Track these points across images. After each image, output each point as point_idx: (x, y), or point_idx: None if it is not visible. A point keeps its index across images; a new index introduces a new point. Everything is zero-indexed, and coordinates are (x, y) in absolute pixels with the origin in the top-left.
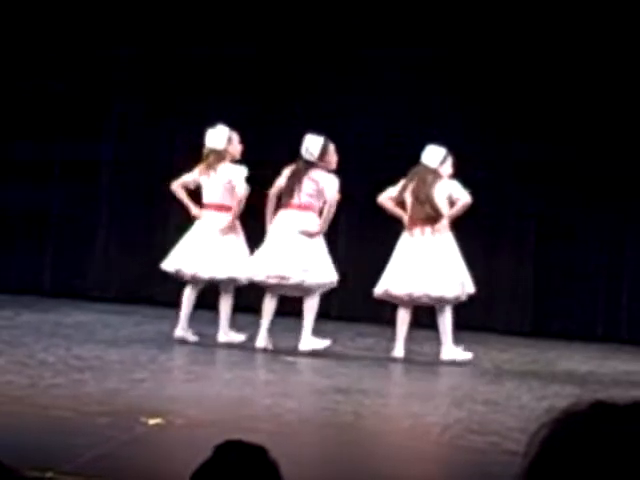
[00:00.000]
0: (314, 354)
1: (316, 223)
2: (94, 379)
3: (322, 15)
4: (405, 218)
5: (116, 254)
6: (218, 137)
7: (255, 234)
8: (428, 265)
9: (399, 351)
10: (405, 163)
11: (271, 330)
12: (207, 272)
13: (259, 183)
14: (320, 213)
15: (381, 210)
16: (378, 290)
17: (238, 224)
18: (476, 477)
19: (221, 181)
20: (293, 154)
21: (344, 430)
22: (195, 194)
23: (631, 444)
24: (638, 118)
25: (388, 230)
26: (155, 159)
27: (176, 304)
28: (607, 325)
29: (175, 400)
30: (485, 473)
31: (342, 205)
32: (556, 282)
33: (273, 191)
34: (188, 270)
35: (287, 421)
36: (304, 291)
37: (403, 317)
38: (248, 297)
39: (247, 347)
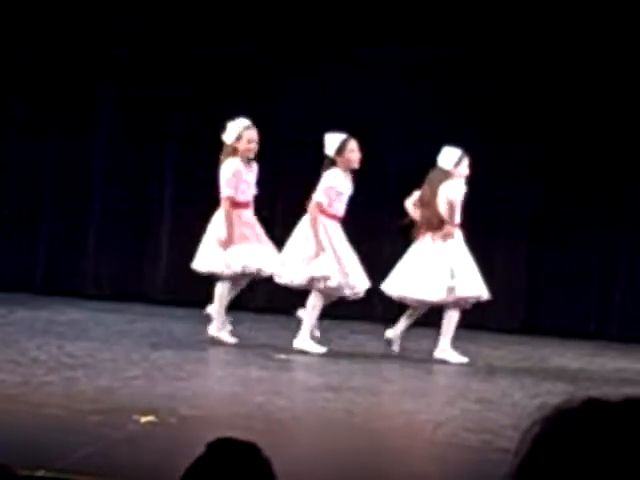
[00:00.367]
0: (306, 352)
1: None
2: (86, 377)
3: (322, 15)
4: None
5: (109, 252)
6: (229, 132)
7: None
8: (417, 268)
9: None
10: (397, 163)
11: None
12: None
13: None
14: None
15: (376, 210)
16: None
17: (234, 219)
18: (469, 475)
19: (221, 176)
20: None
21: (336, 428)
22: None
23: (623, 441)
24: (630, 121)
25: (385, 230)
26: (148, 160)
27: (169, 302)
28: (599, 322)
29: (167, 398)
30: (478, 471)
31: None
32: (548, 280)
33: None
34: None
35: (279, 419)
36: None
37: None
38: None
39: (240, 345)
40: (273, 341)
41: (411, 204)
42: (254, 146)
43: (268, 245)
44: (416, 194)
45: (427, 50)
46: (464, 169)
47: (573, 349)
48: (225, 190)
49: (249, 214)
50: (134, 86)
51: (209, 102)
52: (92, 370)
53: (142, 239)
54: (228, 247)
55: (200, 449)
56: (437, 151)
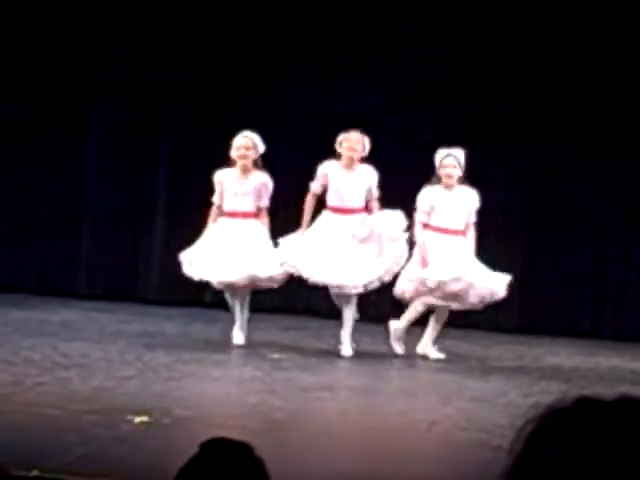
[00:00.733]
0: (299, 351)
1: None
2: (80, 377)
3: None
4: None
5: (102, 252)
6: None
7: None
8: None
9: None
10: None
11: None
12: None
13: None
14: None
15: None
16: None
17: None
18: (464, 473)
19: None
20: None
21: (331, 427)
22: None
23: (616, 439)
24: (626, 116)
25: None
26: (142, 159)
27: (162, 302)
28: (593, 321)
29: (161, 398)
30: (473, 469)
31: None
32: (542, 279)
33: None
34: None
35: (274, 419)
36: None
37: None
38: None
39: (234, 345)
40: (267, 341)
41: None
42: (239, 153)
43: (229, 256)
44: None
45: (427, 50)
46: (444, 170)
47: (567, 348)
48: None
49: (233, 223)
50: (129, 84)
51: (205, 101)
52: (86, 370)
53: (135, 239)
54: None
55: (194, 449)
56: (434, 148)
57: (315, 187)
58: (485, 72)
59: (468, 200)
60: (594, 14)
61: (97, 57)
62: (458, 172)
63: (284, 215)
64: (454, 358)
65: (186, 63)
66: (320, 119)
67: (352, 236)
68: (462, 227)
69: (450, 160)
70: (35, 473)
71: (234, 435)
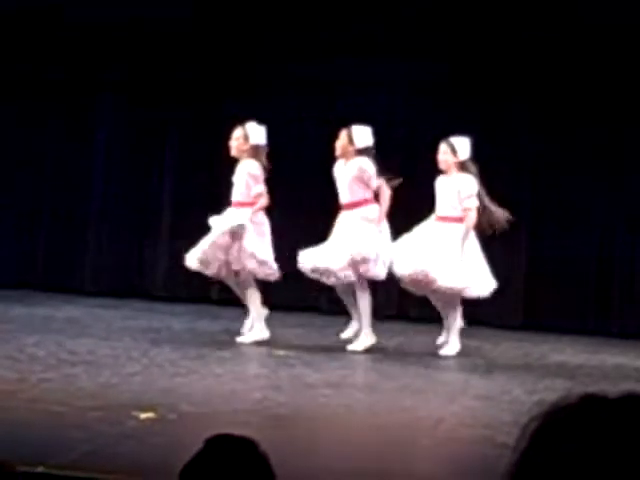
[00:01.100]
0: (305, 348)
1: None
2: (86, 373)
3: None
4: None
5: (108, 248)
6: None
7: None
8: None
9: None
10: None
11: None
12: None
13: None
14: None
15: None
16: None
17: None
18: (469, 470)
19: None
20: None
21: (336, 424)
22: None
23: (620, 437)
24: (628, 113)
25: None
26: (148, 158)
27: (168, 298)
28: (598, 319)
29: (167, 394)
30: (478, 466)
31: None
32: (547, 276)
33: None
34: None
35: (278, 415)
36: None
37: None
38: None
39: (239, 342)
40: (273, 338)
41: None
42: (232, 143)
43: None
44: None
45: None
46: (438, 157)
47: (572, 345)
48: None
49: (230, 211)
50: (135, 81)
51: (210, 98)
52: (91, 367)
53: (141, 235)
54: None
55: (200, 445)
56: (437, 141)
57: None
58: (488, 70)
59: (457, 186)
60: (594, 14)
61: (102, 59)
62: (448, 158)
63: (286, 214)
64: (459, 356)
65: (190, 66)
66: (323, 121)
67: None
68: (453, 214)
69: (442, 147)
70: (40, 469)
71: (239, 431)
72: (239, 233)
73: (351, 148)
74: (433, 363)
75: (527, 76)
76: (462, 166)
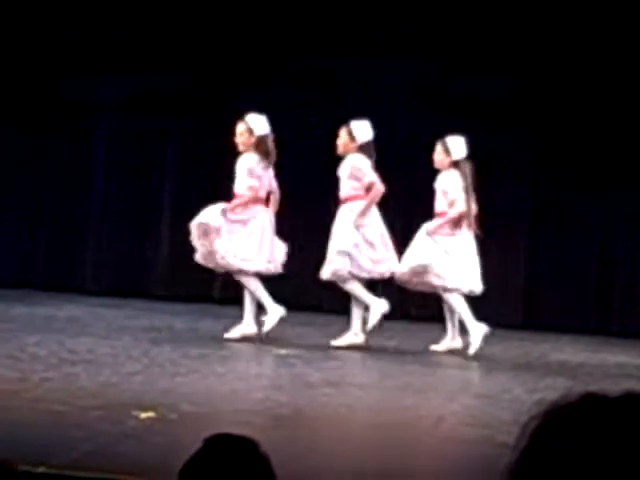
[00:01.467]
0: (306, 347)
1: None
2: (86, 373)
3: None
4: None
5: (108, 247)
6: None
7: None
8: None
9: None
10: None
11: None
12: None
13: None
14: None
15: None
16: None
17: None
18: (469, 469)
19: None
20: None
21: (337, 423)
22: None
23: (621, 436)
24: (630, 114)
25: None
26: (149, 157)
27: (168, 298)
28: (599, 318)
29: (168, 394)
30: (478, 465)
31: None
32: (547, 275)
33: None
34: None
35: (280, 415)
36: None
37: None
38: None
39: (240, 341)
40: (274, 337)
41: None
42: (237, 139)
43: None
44: None
45: (429, 43)
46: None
47: (573, 344)
48: None
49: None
50: (134, 82)
51: (211, 97)
52: (92, 366)
53: (142, 234)
54: None
55: (200, 445)
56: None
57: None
58: (489, 70)
59: (440, 183)
60: (597, 15)
61: (104, 58)
62: (442, 158)
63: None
64: (460, 354)
65: (191, 70)
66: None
67: None
68: (445, 210)
69: (437, 147)
70: (42, 469)
71: (240, 431)
72: (206, 230)
73: (353, 145)
74: (433, 362)
75: (528, 76)
76: (456, 165)
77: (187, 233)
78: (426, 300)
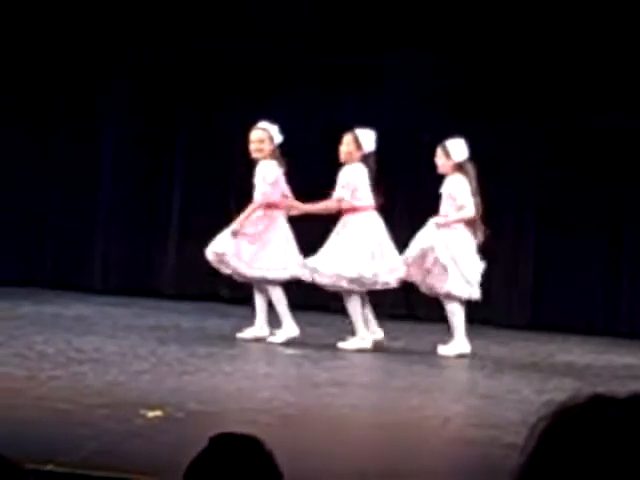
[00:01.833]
0: (313, 347)
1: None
2: (93, 371)
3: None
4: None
5: (116, 246)
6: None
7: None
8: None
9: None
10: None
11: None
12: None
13: None
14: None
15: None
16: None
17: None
18: (476, 470)
19: None
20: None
21: (343, 423)
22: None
23: (629, 437)
24: (632, 114)
25: (390, 227)
26: (157, 156)
27: (176, 296)
28: (606, 319)
29: (175, 392)
30: (485, 466)
31: None
32: (555, 275)
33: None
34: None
35: (286, 414)
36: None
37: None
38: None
39: (247, 341)
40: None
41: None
42: (255, 146)
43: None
44: None
45: (430, 41)
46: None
47: (580, 345)
48: None
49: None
50: (143, 80)
51: (218, 98)
52: (99, 365)
53: (149, 233)
54: None
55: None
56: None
57: None
58: (495, 78)
59: (447, 188)
60: (597, 15)
61: (110, 58)
62: (443, 162)
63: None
64: (466, 355)
65: (201, 67)
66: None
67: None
68: (447, 215)
69: (437, 151)
70: (49, 467)
71: (247, 430)
72: (222, 260)
73: (358, 153)
74: (440, 362)
75: (528, 77)
76: (458, 168)
77: (195, 232)
78: (432, 300)
